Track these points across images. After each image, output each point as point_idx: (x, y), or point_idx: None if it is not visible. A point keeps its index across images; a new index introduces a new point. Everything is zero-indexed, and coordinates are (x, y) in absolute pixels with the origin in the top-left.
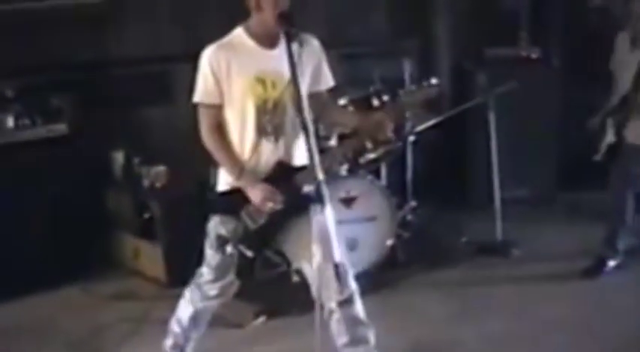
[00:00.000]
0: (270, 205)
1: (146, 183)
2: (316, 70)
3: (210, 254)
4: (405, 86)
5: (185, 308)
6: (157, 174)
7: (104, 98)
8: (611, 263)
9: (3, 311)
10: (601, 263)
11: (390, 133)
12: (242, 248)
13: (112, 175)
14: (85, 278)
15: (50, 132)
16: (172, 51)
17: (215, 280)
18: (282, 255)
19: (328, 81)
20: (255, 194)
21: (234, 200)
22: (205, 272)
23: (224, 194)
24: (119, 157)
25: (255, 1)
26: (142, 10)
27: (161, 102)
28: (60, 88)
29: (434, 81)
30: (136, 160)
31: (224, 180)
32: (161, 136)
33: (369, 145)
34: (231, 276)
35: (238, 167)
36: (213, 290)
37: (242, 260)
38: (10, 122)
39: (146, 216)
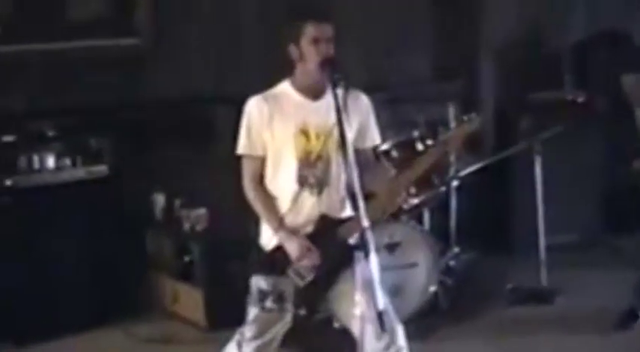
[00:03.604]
0: (306, 263)
1: (187, 225)
2: (363, 126)
3: (250, 309)
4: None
5: None
6: (197, 216)
7: (145, 140)
8: None
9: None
10: (631, 314)
11: (396, 206)
12: (294, 309)
13: (153, 218)
14: (125, 321)
15: (90, 174)
16: (214, 93)
17: (253, 337)
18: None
19: (374, 138)
20: (293, 249)
21: (279, 258)
22: (245, 329)
23: (268, 253)
24: (160, 199)
25: (298, 52)
26: (183, 52)
27: (202, 145)
28: (101, 129)
29: (473, 115)
30: (177, 203)
31: (267, 238)
32: (202, 179)
33: (411, 190)
34: (269, 336)
35: (277, 219)
36: (248, 349)
37: (298, 319)
38: (51, 162)
39: (186, 259)
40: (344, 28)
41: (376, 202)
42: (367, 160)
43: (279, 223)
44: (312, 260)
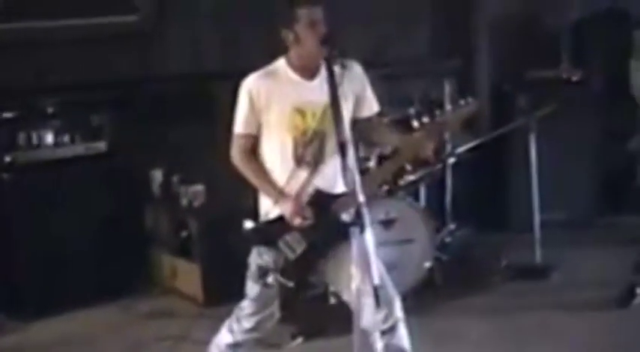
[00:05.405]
0: (298, 221)
1: (184, 201)
2: (360, 96)
3: (250, 286)
4: (444, 107)
5: (225, 336)
6: (195, 193)
7: (143, 116)
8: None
9: (42, 326)
10: (630, 291)
11: (430, 152)
12: (282, 279)
13: (151, 193)
14: (123, 296)
15: (89, 150)
16: (213, 69)
17: (253, 313)
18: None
19: (372, 107)
20: (285, 207)
21: (272, 230)
22: (245, 305)
23: (263, 224)
24: (158, 176)
25: (293, 36)
26: (183, 28)
27: (201, 121)
28: (99, 105)
29: (470, 100)
30: (175, 179)
31: (265, 210)
32: (200, 155)
33: (408, 167)
34: (270, 310)
35: (276, 188)
36: (248, 323)
37: (285, 291)
38: (50, 138)
39: (184, 234)
40: (343, 6)
41: (402, 154)
42: (371, 127)
43: (279, 191)
44: (304, 218)
